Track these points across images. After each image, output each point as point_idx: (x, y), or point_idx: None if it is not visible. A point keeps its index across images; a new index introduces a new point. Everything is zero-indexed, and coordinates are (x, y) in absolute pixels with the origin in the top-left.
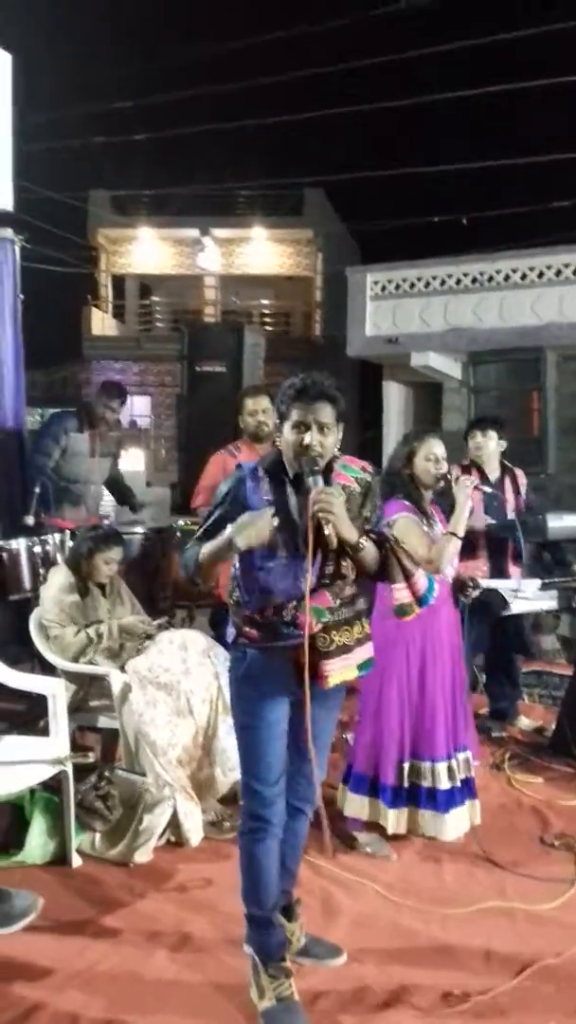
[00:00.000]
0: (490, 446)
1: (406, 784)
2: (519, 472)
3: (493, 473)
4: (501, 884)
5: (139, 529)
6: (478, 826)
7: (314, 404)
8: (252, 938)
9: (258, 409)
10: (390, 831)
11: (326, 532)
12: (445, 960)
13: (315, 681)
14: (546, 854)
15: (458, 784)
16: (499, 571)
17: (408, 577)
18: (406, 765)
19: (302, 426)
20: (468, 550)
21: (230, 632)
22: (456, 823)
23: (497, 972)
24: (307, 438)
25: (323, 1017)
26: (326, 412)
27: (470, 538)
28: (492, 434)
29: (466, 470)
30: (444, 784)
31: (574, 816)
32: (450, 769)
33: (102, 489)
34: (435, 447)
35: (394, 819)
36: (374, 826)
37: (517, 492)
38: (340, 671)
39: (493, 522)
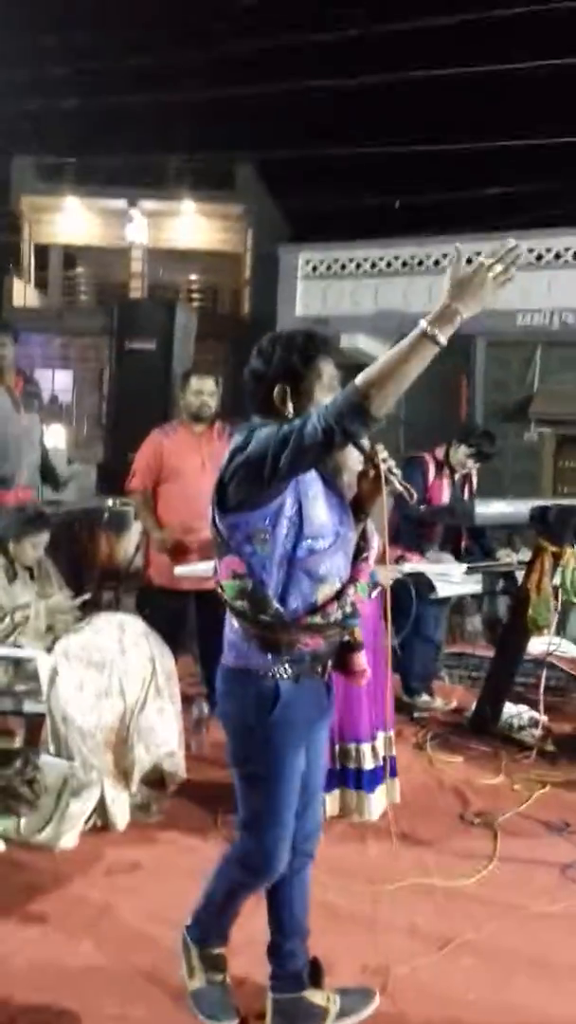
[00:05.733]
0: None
1: (338, 766)
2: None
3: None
4: (423, 861)
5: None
6: (397, 804)
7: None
8: (199, 922)
9: (203, 389)
10: (328, 814)
11: (392, 492)
12: (369, 936)
13: (351, 678)
14: (466, 831)
15: (380, 764)
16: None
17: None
18: (336, 747)
19: (335, 381)
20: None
21: (262, 662)
22: (379, 802)
23: (420, 947)
24: None
25: (252, 998)
26: None
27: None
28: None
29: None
30: (368, 764)
31: (493, 794)
32: (373, 749)
33: (35, 456)
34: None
35: (330, 802)
36: None
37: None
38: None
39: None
